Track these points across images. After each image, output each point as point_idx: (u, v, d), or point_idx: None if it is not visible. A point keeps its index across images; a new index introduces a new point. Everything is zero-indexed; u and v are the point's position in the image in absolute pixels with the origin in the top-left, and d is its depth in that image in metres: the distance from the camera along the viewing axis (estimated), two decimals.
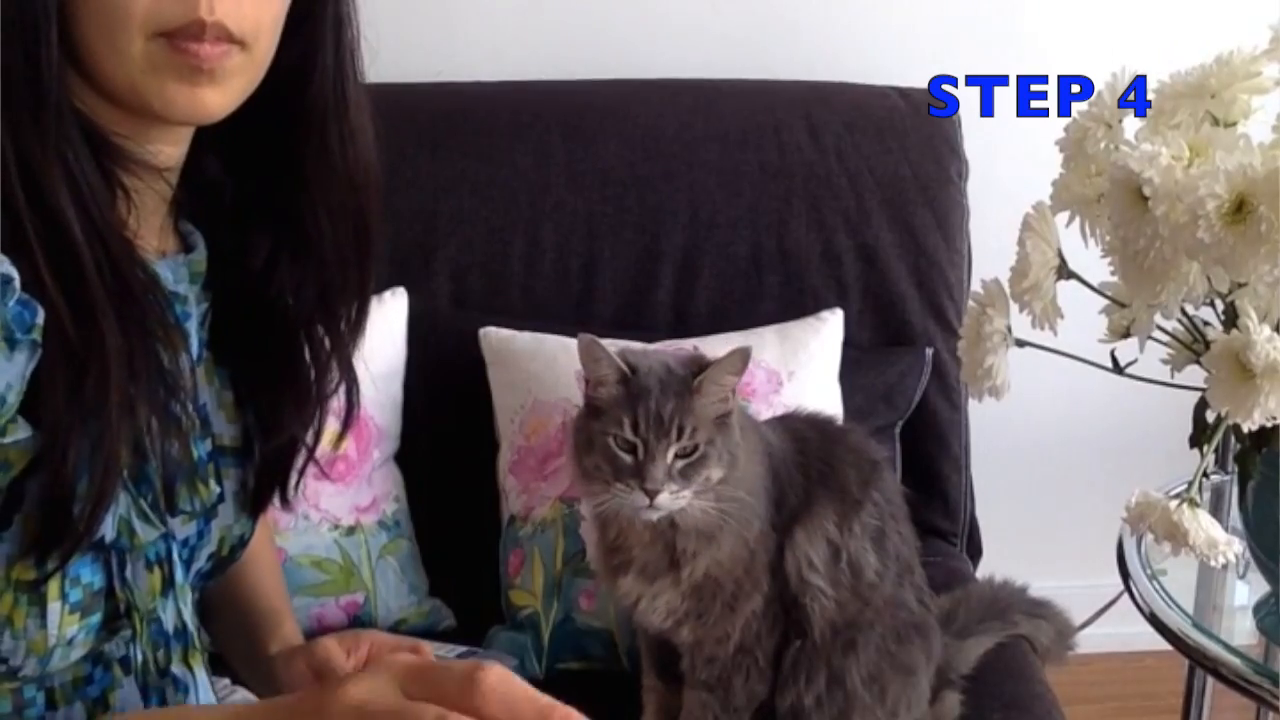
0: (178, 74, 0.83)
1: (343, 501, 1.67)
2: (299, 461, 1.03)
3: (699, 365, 1.28)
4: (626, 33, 2.04)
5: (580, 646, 1.59)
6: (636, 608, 1.34)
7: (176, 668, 0.93)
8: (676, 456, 1.25)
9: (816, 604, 1.32)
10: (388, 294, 1.78)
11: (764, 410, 1.62)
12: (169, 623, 0.92)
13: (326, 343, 1.00)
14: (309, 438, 1.03)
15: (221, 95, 0.85)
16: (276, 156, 0.95)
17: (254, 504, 1.02)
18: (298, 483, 1.04)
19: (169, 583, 0.91)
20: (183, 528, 0.94)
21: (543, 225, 1.86)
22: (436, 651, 1.58)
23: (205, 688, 0.96)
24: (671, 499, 1.25)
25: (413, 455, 1.78)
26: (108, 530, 0.85)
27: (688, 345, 1.71)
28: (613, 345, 1.39)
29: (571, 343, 1.68)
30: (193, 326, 0.94)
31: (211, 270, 0.96)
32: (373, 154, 0.97)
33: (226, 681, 1.34)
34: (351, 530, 1.67)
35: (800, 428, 1.41)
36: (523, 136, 1.88)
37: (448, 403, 1.80)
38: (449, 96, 1.93)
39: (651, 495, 1.24)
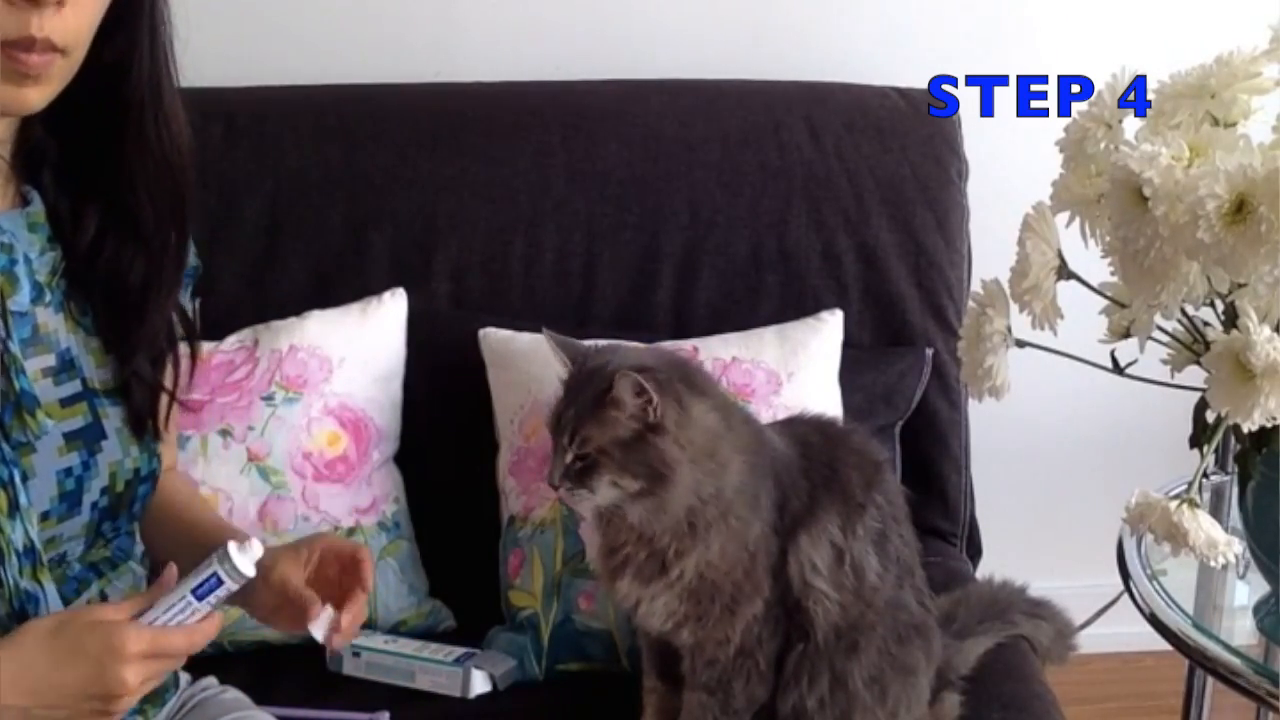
0: (5, 76, 0.99)
1: (342, 503, 1.67)
2: (163, 403, 1.18)
3: (609, 378, 1.27)
4: (626, 33, 2.04)
5: (580, 647, 1.59)
6: (637, 611, 1.34)
7: (27, 583, 1.04)
8: (576, 459, 1.28)
9: (820, 607, 1.32)
10: (387, 294, 1.78)
11: (764, 411, 1.62)
12: (19, 542, 1.04)
13: (158, 302, 1.15)
14: (168, 382, 1.19)
15: (41, 93, 1.02)
16: (102, 141, 1.10)
17: (135, 434, 1.15)
18: (166, 418, 1.20)
19: (14, 505, 1.03)
20: (60, 457, 1.08)
21: (543, 225, 1.86)
22: (435, 655, 1.58)
23: (54, 599, 1.07)
24: (569, 496, 1.29)
25: (413, 456, 1.78)
26: None
27: (688, 345, 1.71)
28: (603, 344, 1.41)
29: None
30: (22, 271, 1.08)
31: (56, 228, 1.11)
32: (186, 138, 1.12)
33: (213, 679, 1.33)
34: (351, 531, 1.67)
35: (804, 431, 1.41)
36: (523, 136, 1.88)
37: (448, 403, 1.80)
38: (449, 96, 1.93)
39: (553, 488, 1.29)
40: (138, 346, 1.15)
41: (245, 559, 1.03)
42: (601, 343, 1.46)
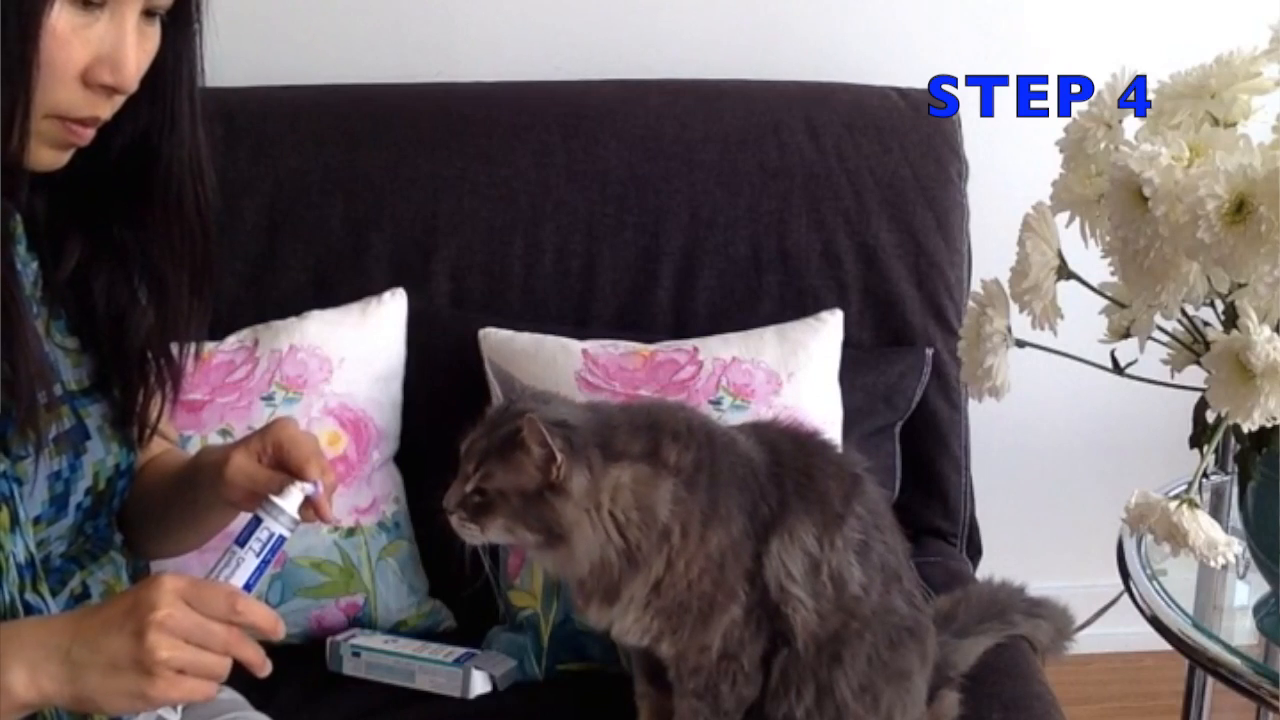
0: (55, 144, 1.03)
1: (342, 503, 1.66)
2: (154, 403, 1.20)
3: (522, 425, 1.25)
4: (626, 33, 2.04)
5: (580, 647, 1.59)
6: (612, 630, 1.34)
7: (30, 596, 1.04)
8: (475, 491, 1.27)
9: (798, 614, 1.30)
10: (387, 294, 1.78)
11: (764, 412, 1.62)
12: (20, 555, 1.04)
13: (150, 327, 1.17)
14: (165, 391, 1.20)
15: (70, 154, 1.06)
16: (115, 201, 1.12)
17: (116, 431, 1.16)
18: (152, 432, 1.21)
19: (14, 519, 1.04)
20: (49, 461, 1.09)
21: (543, 225, 1.86)
22: (435, 655, 1.58)
23: (54, 611, 1.07)
24: (459, 525, 1.28)
25: (412, 456, 1.78)
26: None
27: (688, 346, 1.71)
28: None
29: (572, 344, 1.70)
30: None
31: (34, 242, 1.12)
32: (213, 197, 1.16)
33: None
34: (351, 532, 1.67)
35: (775, 437, 1.39)
36: (523, 136, 1.87)
37: (448, 403, 1.79)
38: (449, 96, 1.93)
39: (445, 511, 1.28)
40: (127, 363, 1.17)
41: (286, 501, 1.05)
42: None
